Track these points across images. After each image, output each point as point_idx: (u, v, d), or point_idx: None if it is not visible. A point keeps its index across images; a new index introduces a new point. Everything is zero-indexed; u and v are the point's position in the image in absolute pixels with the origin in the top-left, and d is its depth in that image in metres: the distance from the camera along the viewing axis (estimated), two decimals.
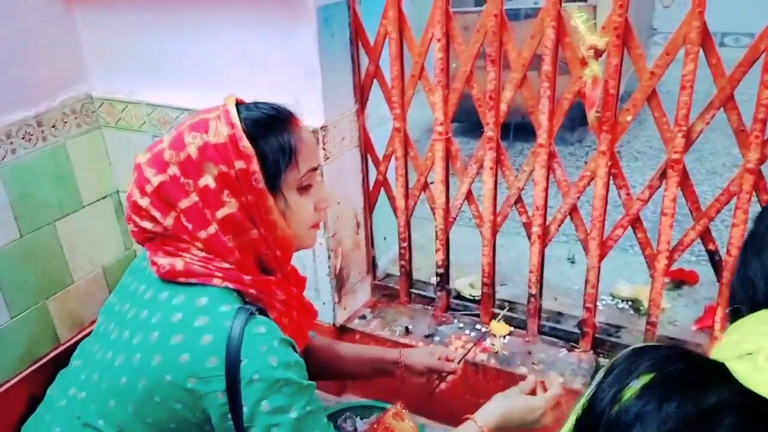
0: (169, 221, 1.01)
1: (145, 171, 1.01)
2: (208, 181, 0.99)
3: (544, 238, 1.74)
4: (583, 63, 1.49)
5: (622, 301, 2.04)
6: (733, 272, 0.73)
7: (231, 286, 1.01)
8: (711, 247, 1.56)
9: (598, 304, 1.77)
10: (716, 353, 0.68)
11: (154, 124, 1.89)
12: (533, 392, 1.26)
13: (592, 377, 0.75)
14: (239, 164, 0.99)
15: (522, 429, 1.21)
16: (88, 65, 1.91)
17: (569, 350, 1.81)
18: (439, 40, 1.64)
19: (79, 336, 1.95)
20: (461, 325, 1.95)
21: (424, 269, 2.13)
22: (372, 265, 2.07)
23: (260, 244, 1.04)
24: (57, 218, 1.87)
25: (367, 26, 1.73)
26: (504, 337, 1.87)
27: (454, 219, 1.87)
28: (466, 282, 2.06)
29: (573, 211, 1.67)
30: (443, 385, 1.38)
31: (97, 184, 1.98)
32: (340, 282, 1.91)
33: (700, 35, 1.37)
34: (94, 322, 1.19)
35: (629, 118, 1.52)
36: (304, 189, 1.07)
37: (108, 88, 1.92)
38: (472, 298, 2.01)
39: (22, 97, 1.73)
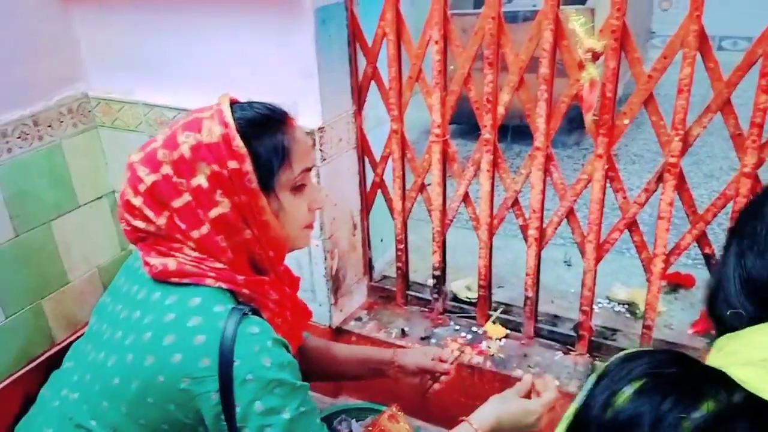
0: (161, 221, 1.00)
1: (138, 170, 1.01)
2: (200, 180, 0.98)
3: (541, 240, 1.73)
4: (581, 66, 1.49)
5: (619, 304, 2.04)
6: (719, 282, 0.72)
7: (224, 286, 1.01)
8: (707, 250, 1.56)
9: (594, 307, 1.77)
10: (713, 360, 0.68)
11: (151, 124, 1.88)
12: (530, 393, 1.26)
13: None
14: (232, 164, 0.98)
15: None
16: (85, 65, 1.91)
17: (565, 353, 1.81)
18: (436, 42, 1.64)
19: (74, 336, 1.95)
20: (457, 327, 1.94)
21: (421, 271, 2.12)
22: (368, 266, 2.07)
23: (253, 244, 1.04)
24: (52, 218, 1.86)
25: (365, 28, 1.72)
26: (500, 339, 1.87)
27: (451, 221, 1.87)
28: (463, 284, 2.06)
29: (570, 214, 1.67)
30: (436, 386, 1.38)
31: (93, 183, 1.97)
32: (336, 283, 1.90)
33: (697, 39, 1.37)
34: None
35: (626, 121, 1.51)
36: (297, 189, 1.07)
37: (105, 87, 1.92)
38: (468, 300, 2.01)
39: (18, 96, 1.73)
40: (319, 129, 1.67)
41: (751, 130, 1.40)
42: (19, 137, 1.73)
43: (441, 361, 1.37)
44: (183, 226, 1.00)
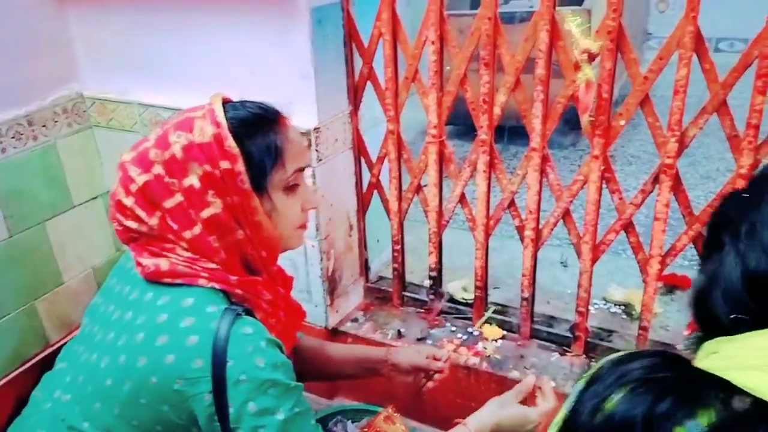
0: (154, 221, 1.00)
1: (130, 170, 1.00)
2: (192, 180, 0.98)
3: (537, 241, 1.73)
4: (577, 67, 1.48)
5: (615, 305, 2.04)
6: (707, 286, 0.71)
7: (217, 286, 1.00)
8: None
9: (590, 308, 1.77)
10: (705, 363, 0.67)
11: (146, 124, 1.88)
12: (531, 396, 1.24)
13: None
14: (224, 164, 0.97)
15: None
16: (80, 64, 1.90)
17: (561, 354, 1.80)
18: (433, 42, 1.63)
19: (69, 337, 1.93)
20: (454, 328, 1.94)
21: (417, 272, 2.12)
22: (365, 267, 2.06)
23: (246, 244, 1.03)
24: (47, 218, 1.85)
25: (361, 28, 1.72)
26: (496, 340, 1.87)
27: (448, 222, 1.86)
28: (459, 285, 2.06)
29: (566, 214, 1.67)
30: (430, 384, 1.37)
31: (88, 184, 1.97)
32: (332, 284, 1.90)
33: (693, 40, 1.37)
34: None
35: (622, 122, 1.51)
36: (290, 189, 1.06)
37: (100, 87, 1.91)
38: (464, 301, 2.00)
39: (12, 96, 1.72)
40: (315, 129, 1.66)
41: (747, 131, 1.40)
42: (13, 137, 1.72)
43: (435, 359, 1.36)
44: (175, 227, 0.99)
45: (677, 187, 1.52)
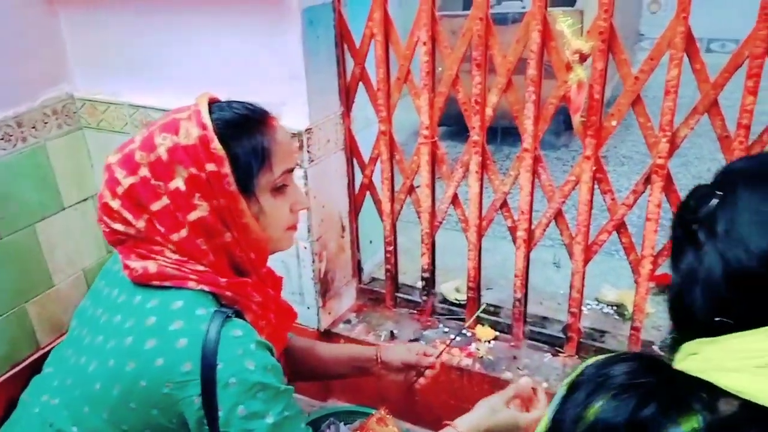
0: (140, 224, 0.99)
1: (116, 172, 0.99)
2: (178, 183, 0.97)
3: (530, 242, 1.73)
4: (569, 67, 1.49)
5: (607, 305, 2.04)
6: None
7: (206, 288, 0.99)
8: None
9: (582, 308, 1.77)
10: (684, 365, 0.66)
11: (137, 125, 1.87)
12: (527, 399, 1.24)
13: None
14: (210, 167, 0.96)
15: None
16: (71, 65, 1.89)
17: (554, 355, 1.80)
18: (424, 43, 1.63)
19: (60, 340, 1.92)
20: (446, 329, 1.94)
21: (410, 273, 2.12)
22: (357, 269, 2.06)
23: (234, 247, 1.02)
24: (37, 220, 1.84)
25: (353, 28, 1.72)
26: (489, 341, 1.86)
27: (440, 223, 1.86)
28: (452, 286, 2.05)
29: (558, 215, 1.67)
30: (422, 380, 1.37)
31: (78, 185, 1.95)
32: (324, 286, 1.89)
33: (684, 40, 1.37)
34: None
35: (614, 122, 1.51)
36: (278, 191, 1.05)
37: (90, 88, 1.90)
38: (457, 302, 2.00)
39: (1, 97, 1.71)
40: (306, 130, 1.66)
41: (737, 132, 1.40)
42: (2, 138, 1.71)
43: (425, 355, 1.35)
44: (162, 230, 0.98)
45: (669, 187, 1.52)
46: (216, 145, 0.96)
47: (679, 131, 1.47)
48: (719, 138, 1.44)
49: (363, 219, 1.99)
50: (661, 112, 1.45)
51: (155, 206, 0.97)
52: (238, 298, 1.03)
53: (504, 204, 1.73)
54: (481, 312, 1.73)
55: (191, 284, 0.98)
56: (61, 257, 1.93)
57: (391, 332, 1.93)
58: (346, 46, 1.74)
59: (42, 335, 1.89)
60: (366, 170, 1.88)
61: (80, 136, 1.95)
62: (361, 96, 1.80)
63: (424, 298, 1.97)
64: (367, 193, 1.92)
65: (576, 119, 1.52)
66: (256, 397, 0.93)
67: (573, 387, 0.68)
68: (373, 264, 2.16)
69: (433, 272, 1.94)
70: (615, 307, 2.03)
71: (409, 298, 2.03)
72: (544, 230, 1.72)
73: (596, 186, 1.59)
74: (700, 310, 0.68)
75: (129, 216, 0.99)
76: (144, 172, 0.97)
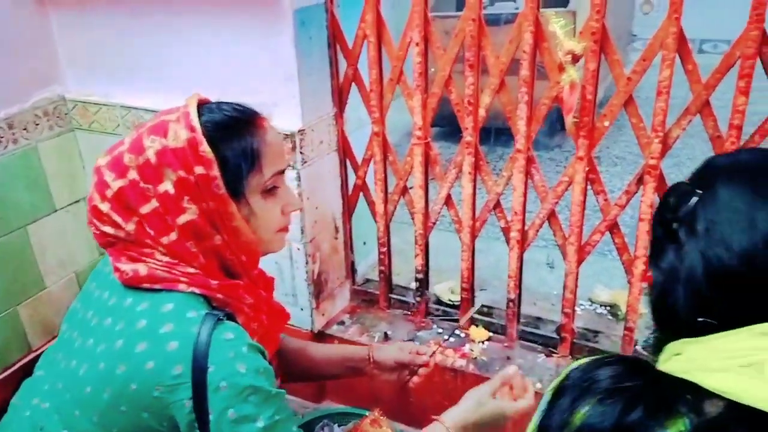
0: (130, 226, 0.98)
1: (105, 175, 0.98)
2: (167, 186, 0.96)
3: (523, 243, 1.73)
4: (561, 68, 1.49)
5: (601, 306, 2.05)
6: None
7: (197, 291, 0.99)
8: None
9: (576, 309, 1.77)
10: (668, 365, 0.66)
11: (129, 126, 1.86)
12: (516, 388, 1.23)
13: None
14: (199, 170, 0.95)
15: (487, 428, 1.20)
16: (62, 67, 1.88)
17: (548, 355, 1.80)
18: (417, 44, 1.63)
19: (51, 343, 1.91)
20: (440, 330, 1.94)
21: (404, 274, 2.12)
22: (351, 270, 2.05)
23: (224, 249, 1.01)
24: (28, 222, 1.83)
25: (346, 29, 1.71)
26: (483, 342, 1.86)
27: (434, 224, 1.86)
28: (446, 287, 2.05)
29: (551, 216, 1.67)
30: (416, 379, 1.36)
31: (70, 187, 1.94)
32: (318, 287, 1.89)
33: (676, 41, 1.37)
34: None
35: (606, 123, 1.52)
36: (269, 193, 1.04)
37: (82, 89, 1.89)
38: (451, 303, 2.00)
39: None
40: (299, 131, 1.65)
41: (729, 132, 1.40)
42: None
43: (418, 354, 1.35)
44: (152, 233, 0.97)
45: (661, 187, 1.52)
46: (205, 147, 0.95)
47: (671, 132, 1.47)
48: (711, 138, 1.44)
49: (356, 220, 1.98)
50: (654, 113, 1.45)
51: (144, 209, 0.97)
52: (229, 300, 1.02)
53: (497, 205, 1.73)
54: (475, 312, 1.73)
55: (182, 287, 0.98)
56: (53, 259, 1.92)
57: (385, 333, 1.93)
58: (338, 47, 1.74)
59: (34, 338, 1.88)
60: (359, 171, 1.88)
61: (72, 138, 1.94)
62: (354, 97, 1.80)
63: (418, 299, 1.97)
64: (361, 194, 1.91)
65: (569, 120, 1.52)
66: (247, 400, 0.92)
67: (558, 392, 0.68)
68: (367, 265, 2.15)
69: (426, 273, 1.94)
70: (608, 308, 2.03)
71: (403, 299, 2.03)
72: (538, 231, 1.72)
73: (589, 186, 1.59)
74: (682, 310, 0.67)
75: (118, 219, 0.98)
76: (133, 175, 0.97)
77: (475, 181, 1.73)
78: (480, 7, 1.55)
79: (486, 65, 1.60)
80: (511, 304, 1.82)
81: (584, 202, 1.61)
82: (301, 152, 1.67)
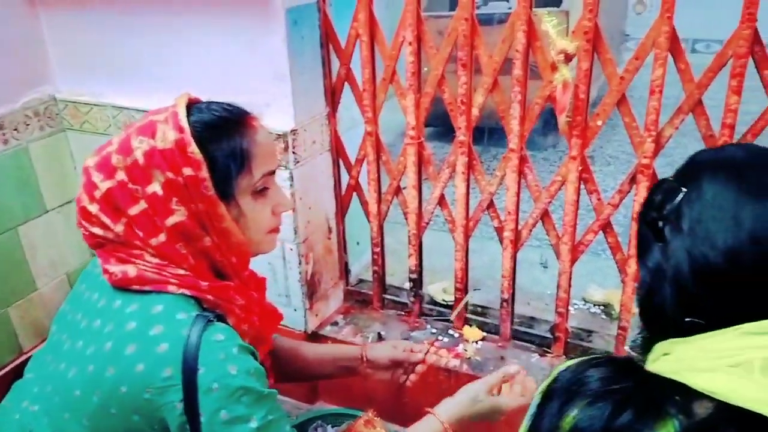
0: (119, 228, 0.97)
1: (93, 176, 0.97)
2: (155, 188, 0.95)
3: (517, 242, 1.73)
4: (554, 67, 1.48)
5: (594, 305, 2.05)
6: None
7: (187, 292, 0.98)
8: None
9: (570, 308, 1.77)
10: (657, 366, 0.65)
11: (120, 127, 1.85)
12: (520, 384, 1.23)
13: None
14: (187, 171, 0.94)
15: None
16: (53, 67, 1.87)
17: (541, 355, 1.80)
18: (410, 43, 1.62)
19: (43, 345, 1.91)
20: (434, 330, 1.93)
21: (398, 274, 2.11)
22: (345, 270, 2.05)
23: (214, 251, 1.01)
24: (19, 223, 1.82)
25: (338, 29, 1.71)
26: (476, 342, 1.86)
27: (427, 224, 1.86)
28: (440, 287, 2.05)
29: (545, 215, 1.67)
30: (413, 377, 1.36)
31: (61, 188, 1.93)
32: (311, 288, 1.88)
33: (668, 40, 1.37)
34: None
35: (599, 122, 1.52)
36: (259, 194, 1.03)
37: (73, 90, 1.88)
38: (445, 303, 2.00)
39: None
40: (292, 131, 1.65)
41: (722, 131, 1.40)
42: None
43: (413, 352, 1.35)
44: (141, 234, 0.96)
45: None
46: (193, 148, 0.94)
47: (664, 131, 1.47)
48: (704, 137, 1.44)
49: (350, 220, 1.98)
50: (646, 112, 1.45)
51: (133, 210, 0.96)
52: (219, 301, 1.01)
53: (491, 204, 1.73)
54: (467, 306, 1.72)
55: (172, 288, 0.97)
56: (44, 261, 1.91)
57: (379, 334, 1.92)
58: (331, 47, 1.73)
59: (25, 340, 1.87)
60: (352, 171, 1.87)
61: (63, 138, 1.93)
62: (347, 97, 1.79)
63: (412, 299, 1.97)
64: (354, 194, 1.91)
65: (562, 119, 1.52)
66: (239, 401, 0.92)
67: (547, 395, 0.67)
68: (361, 265, 2.15)
69: (420, 273, 1.94)
70: (602, 307, 2.03)
71: (397, 299, 2.02)
72: (531, 230, 1.72)
73: (582, 186, 1.59)
74: (669, 309, 0.67)
75: (107, 220, 0.97)
76: (121, 176, 0.96)
77: (468, 180, 1.73)
78: (473, 6, 1.54)
79: (479, 65, 1.60)
80: (504, 303, 1.82)
81: (577, 201, 1.61)
82: (293, 152, 1.66)
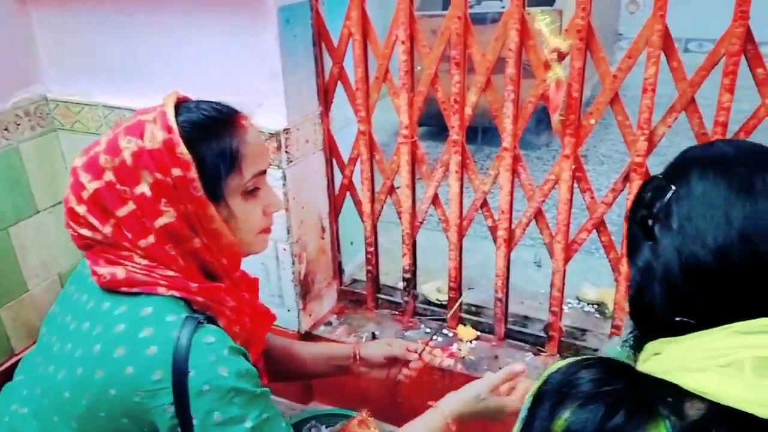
0: (107, 229, 0.96)
1: (81, 176, 0.96)
2: (144, 189, 0.94)
3: (510, 241, 1.73)
4: (547, 66, 1.48)
5: (588, 304, 2.05)
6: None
7: (177, 294, 0.97)
8: None
9: (564, 307, 1.77)
10: (648, 366, 0.65)
11: (111, 126, 1.83)
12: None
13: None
14: (176, 172, 0.93)
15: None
16: (43, 66, 1.86)
17: (536, 354, 1.80)
18: (403, 42, 1.62)
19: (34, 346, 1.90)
20: (428, 330, 1.93)
21: (392, 274, 2.11)
22: (338, 270, 2.04)
23: (204, 252, 0.99)
24: (10, 224, 1.81)
25: (331, 27, 1.70)
26: (471, 341, 1.86)
27: (421, 223, 1.85)
28: (434, 287, 2.05)
29: (538, 214, 1.67)
30: (407, 371, 1.35)
31: (52, 188, 1.92)
32: (305, 288, 1.87)
33: (661, 39, 1.37)
34: None
35: (593, 121, 1.52)
36: (250, 194, 1.02)
37: (64, 89, 1.87)
38: (439, 302, 1.99)
39: None
40: (284, 130, 1.64)
41: (715, 129, 1.41)
42: None
43: (408, 350, 1.34)
44: (129, 235, 0.95)
45: None
46: (182, 149, 0.93)
47: (657, 129, 1.47)
48: (697, 136, 1.44)
49: (343, 220, 1.97)
50: (640, 111, 1.45)
51: (121, 212, 0.95)
52: (210, 303, 1.00)
53: (484, 203, 1.73)
54: (462, 303, 1.71)
55: (161, 290, 0.96)
56: (35, 261, 1.89)
57: (373, 333, 1.92)
58: (323, 45, 1.73)
59: (16, 341, 1.86)
60: (346, 171, 1.86)
61: (54, 138, 1.91)
62: (339, 96, 1.79)
63: (406, 299, 1.96)
64: (347, 193, 1.90)
65: (555, 118, 1.51)
66: (232, 402, 0.91)
67: (538, 397, 0.67)
68: (354, 265, 2.14)
69: (414, 273, 1.93)
70: (596, 306, 2.03)
71: (391, 299, 2.02)
72: (525, 229, 1.71)
73: (576, 185, 1.59)
74: (659, 308, 0.67)
75: (95, 221, 0.96)
76: (109, 176, 0.94)
77: (462, 180, 1.72)
78: (466, 5, 1.54)
79: (472, 63, 1.60)
80: (498, 303, 1.81)
81: (571, 200, 1.60)
82: (286, 151, 1.66)
